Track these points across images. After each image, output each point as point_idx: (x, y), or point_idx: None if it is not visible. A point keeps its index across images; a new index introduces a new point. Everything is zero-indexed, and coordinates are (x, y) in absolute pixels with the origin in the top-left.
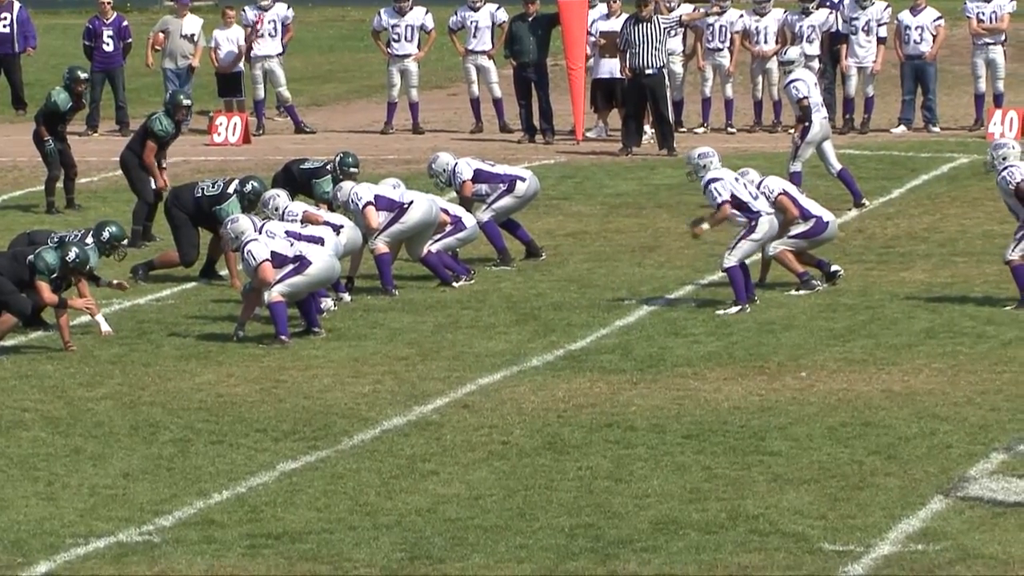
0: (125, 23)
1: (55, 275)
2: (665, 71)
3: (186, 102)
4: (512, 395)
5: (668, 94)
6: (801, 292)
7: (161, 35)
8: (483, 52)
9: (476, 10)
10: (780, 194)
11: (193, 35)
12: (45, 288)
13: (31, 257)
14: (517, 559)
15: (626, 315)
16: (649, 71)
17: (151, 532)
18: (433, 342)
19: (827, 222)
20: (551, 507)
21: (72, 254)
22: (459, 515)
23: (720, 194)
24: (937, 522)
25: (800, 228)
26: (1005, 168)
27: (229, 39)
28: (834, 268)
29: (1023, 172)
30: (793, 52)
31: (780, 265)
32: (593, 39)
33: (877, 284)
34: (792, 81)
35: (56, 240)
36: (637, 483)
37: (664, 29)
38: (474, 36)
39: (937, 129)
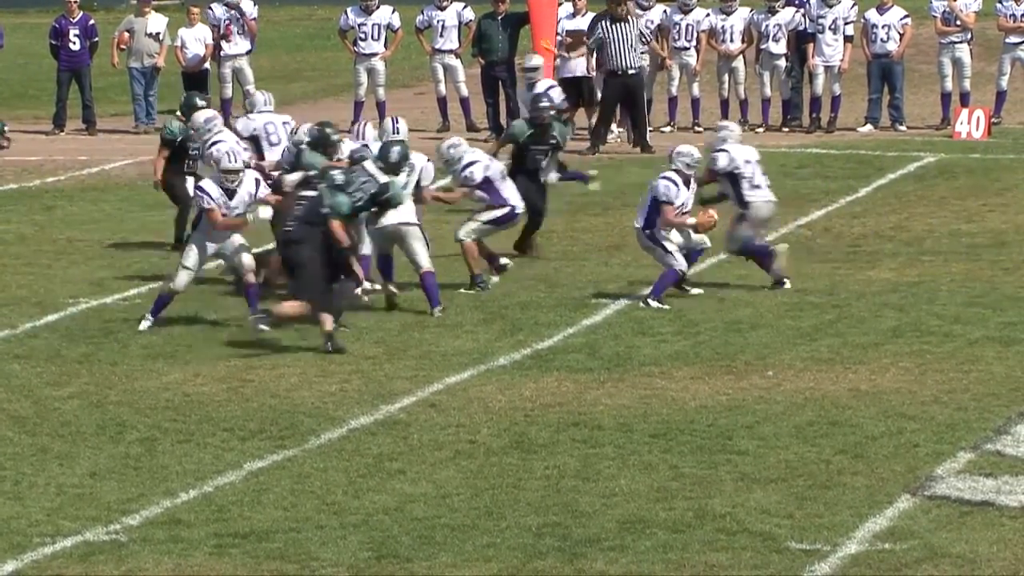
0: (92, 22)
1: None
2: (644, 71)
3: (200, 103)
4: (479, 394)
5: (644, 95)
6: (473, 292)
7: (126, 34)
8: (450, 51)
9: (443, 9)
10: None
11: (158, 34)
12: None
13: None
14: (484, 558)
15: (593, 314)
16: (631, 71)
17: (118, 531)
18: (400, 341)
19: (518, 213)
20: (518, 506)
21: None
22: (426, 514)
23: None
24: (904, 521)
25: (494, 214)
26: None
27: (196, 39)
28: (503, 261)
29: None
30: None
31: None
32: (559, 38)
33: (844, 283)
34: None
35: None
36: (604, 482)
37: (639, 29)
38: (440, 35)
39: (904, 128)
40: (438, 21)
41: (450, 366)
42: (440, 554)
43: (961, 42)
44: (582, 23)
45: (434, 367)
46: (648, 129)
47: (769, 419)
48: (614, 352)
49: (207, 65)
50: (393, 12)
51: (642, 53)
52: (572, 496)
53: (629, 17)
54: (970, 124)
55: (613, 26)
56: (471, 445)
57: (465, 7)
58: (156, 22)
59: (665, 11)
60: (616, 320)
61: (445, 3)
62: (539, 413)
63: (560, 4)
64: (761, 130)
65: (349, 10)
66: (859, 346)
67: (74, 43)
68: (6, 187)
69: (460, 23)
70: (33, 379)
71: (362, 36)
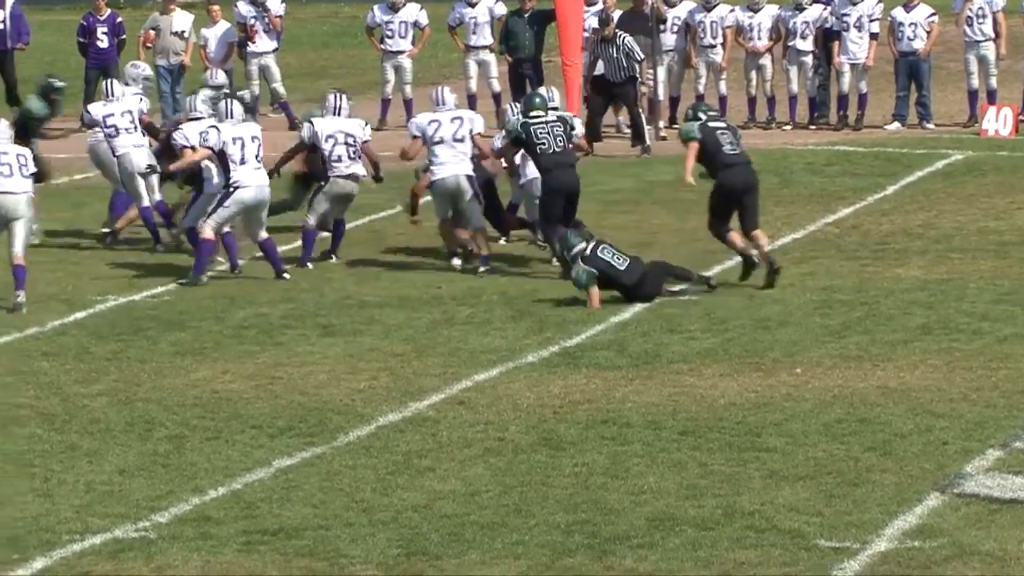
0: (119, 19)
1: None
2: (635, 78)
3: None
4: (508, 391)
5: (637, 96)
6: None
7: (152, 32)
8: (484, 47)
9: (473, 6)
10: None
11: (183, 32)
12: None
13: None
14: (513, 555)
15: (622, 311)
16: (616, 83)
17: (147, 528)
18: (429, 338)
19: None
20: (547, 503)
21: None
22: (455, 511)
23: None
24: (933, 519)
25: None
26: None
27: (216, 35)
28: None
29: None
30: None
31: None
32: (587, 35)
33: (872, 280)
34: None
35: None
36: (633, 479)
37: (628, 48)
38: (473, 32)
39: (931, 126)
40: (470, 18)
41: (479, 363)
42: (469, 551)
43: (987, 40)
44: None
45: (463, 364)
46: (645, 129)
47: (798, 416)
48: (643, 349)
49: (230, 63)
50: (420, 9)
51: (632, 66)
52: (601, 493)
53: (616, 35)
54: (997, 121)
55: (601, 44)
56: (500, 442)
57: (496, 2)
58: (181, 20)
59: (733, 10)
60: (645, 317)
61: (475, 0)
62: (568, 410)
63: (592, 3)
64: (788, 128)
65: (376, 7)
66: (887, 343)
67: (102, 40)
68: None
69: (492, 18)
70: (62, 376)
71: (389, 34)
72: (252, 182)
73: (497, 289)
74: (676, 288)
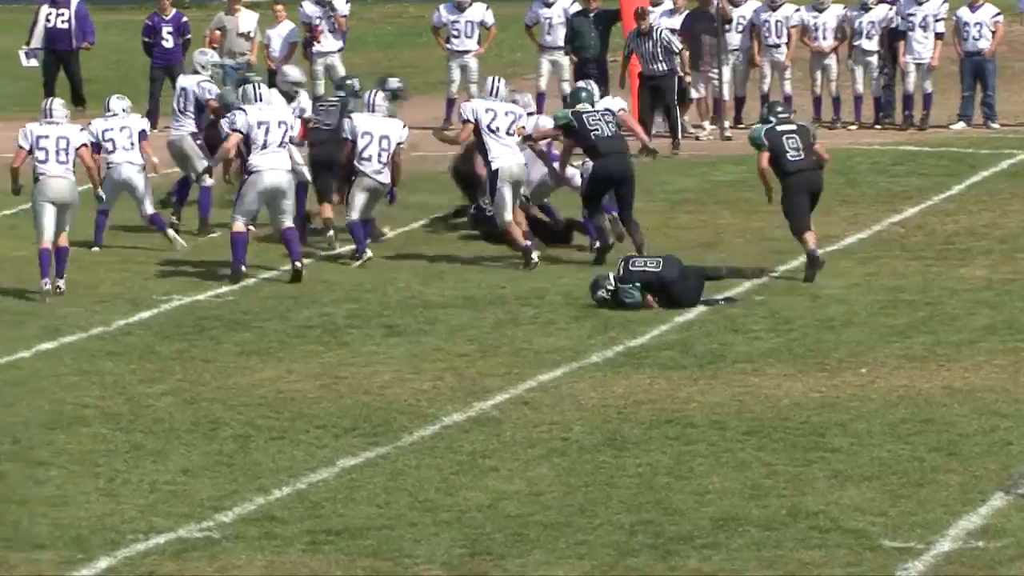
0: (184, 19)
1: None
2: (675, 74)
3: None
4: (572, 391)
5: (675, 94)
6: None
7: (218, 32)
8: (559, 47)
9: (549, 6)
10: None
11: (249, 32)
12: None
13: None
14: (577, 555)
15: (686, 311)
16: (659, 75)
17: (211, 528)
18: (493, 338)
19: None
20: (611, 504)
21: None
22: (519, 511)
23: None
24: (997, 519)
25: None
26: None
27: (279, 35)
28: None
29: None
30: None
31: None
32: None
33: (937, 280)
34: None
35: None
36: (697, 480)
37: (666, 41)
38: (548, 33)
39: (996, 125)
40: (545, 18)
41: (543, 363)
42: (533, 551)
43: None
44: (678, 21)
45: (527, 364)
46: (679, 128)
47: (863, 417)
48: (707, 349)
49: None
50: (487, 9)
51: (671, 59)
52: (665, 494)
53: (653, 30)
54: None
55: (638, 38)
56: (564, 442)
57: (573, 3)
58: (247, 20)
59: (798, 9)
60: (709, 317)
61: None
62: (632, 410)
63: (658, 3)
64: (854, 127)
65: (442, 7)
66: (953, 344)
67: (167, 40)
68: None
69: (567, 19)
70: (127, 376)
71: (455, 33)
72: (268, 167)
73: (561, 289)
74: (719, 297)
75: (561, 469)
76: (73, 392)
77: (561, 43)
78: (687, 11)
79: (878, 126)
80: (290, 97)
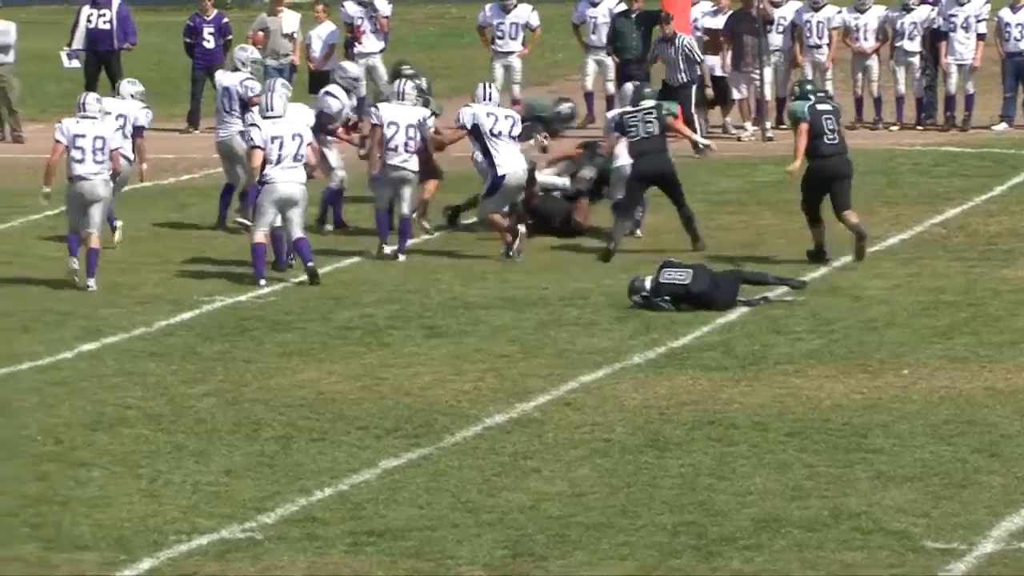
0: (225, 20)
1: None
2: (693, 84)
3: None
4: (614, 392)
5: (691, 105)
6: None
7: (261, 33)
8: (604, 47)
9: (595, 5)
10: None
11: (292, 33)
12: None
13: None
14: (620, 556)
15: (728, 313)
16: (678, 84)
17: (254, 529)
18: (535, 339)
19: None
20: (654, 504)
21: None
22: (561, 512)
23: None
24: None
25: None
26: None
27: (320, 36)
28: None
29: None
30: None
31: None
32: (698, 35)
33: (979, 281)
34: None
35: None
36: (739, 481)
37: (687, 49)
38: (593, 32)
39: None
40: (591, 17)
41: (585, 364)
42: (575, 552)
43: None
44: (720, 21)
45: (569, 365)
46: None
47: (905, 418)
48: (749, 351)
49: (332, 64)
50: (532, 11)
51: (692, 69)
52: (707, 495)
53: (676, 37)
54: None
55: (662, 44)
56: (606, 443)
57: (618, 3)
58: (290, 21)
59: (840, 11)
60: (751, 319)
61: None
62: (674, 411)
63: (696, 2)
64: (896, 128)
65: (488, 7)
66: (995, 345)
67: (208, 41)
68: (142, 185)
69: (611, 19)
70: (169, 377)
71: (499, 34)
72: (282, 179)
73: (604, 290)
74: (757, 297)
75: (603, 470)
76: (115, 393)
77: (605, 43)
78: (730, 12)
79: (920, 127)
80: (348, 91)
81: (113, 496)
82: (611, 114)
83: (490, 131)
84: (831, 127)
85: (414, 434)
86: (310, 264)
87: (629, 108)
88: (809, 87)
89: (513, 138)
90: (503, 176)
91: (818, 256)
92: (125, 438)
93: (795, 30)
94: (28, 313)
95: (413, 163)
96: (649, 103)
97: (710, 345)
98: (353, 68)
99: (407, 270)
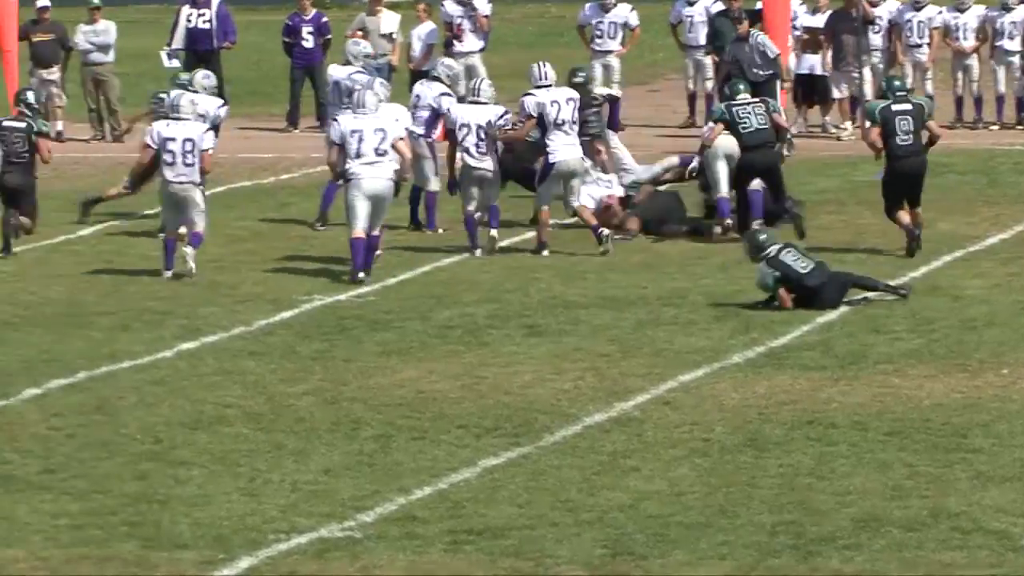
0: (324, 19)
1: None
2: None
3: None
4: (713, 392)
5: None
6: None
7: (359, 33)
8: (700, 47)
9: (692, 4)
10: None
11: (391, 33)
12: None
13: None
14: (719, 556)
15: (827, 312)
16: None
17: (353, 528)
18: (634, 339)
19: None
20: (752, 504)
21: None
22: (661, 512)
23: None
24: None
25: None
26: None
27: (419, 36)
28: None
29: None
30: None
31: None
32: (797, 33)
33: None
34: None
35: None
36: (838, 480)
37: (761, 47)
38: (690, 31)
39: None
40: (687, 16)
41: (684, 363)
42: (674, 552)
43: None
44: (821, 20)
45: (668, 364)
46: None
47: (1004, 417)
48: (848, 350)
49: (432, 63)
50: (632, 10)
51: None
52: (806, 494)
53: (751, 36)
54: None
55: (738, 43)
56: (705, 443)
57: (715, 1)
58: (388, 21)
59: (941, 11)
60: (851, 318)
61: None
62: (773, 411)
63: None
64: (996, 128)
65: (588, 6)
66: None
67: (307, 40)
68: (241, 184)
69: (709, 18)
70: (268, 376)
71: (598, 33)
72: (364, 174)
73: (703, 290)
74: (858, 298)
75: (702, 469)
76: (214, 392)
77: (702, 42)
78: (830, 11)
79: (1020, 126)
80: (453, 83)
81: (212, 495)
82: (717, 107)
83: (553, 121)
84: (905, 128)
85: (514, 433)
86: (360, 269)
87: (736, 100)
88: (896, 85)
89: (574, 123)
90: (553, 164)
91: (912, 241)
92: (224, 437)
93: (894, 29)
94: (128, 312)
95: (488, 162)
96: (750, 97)
97: (809, 344)
98: (454, 64)
99: (506, 269)
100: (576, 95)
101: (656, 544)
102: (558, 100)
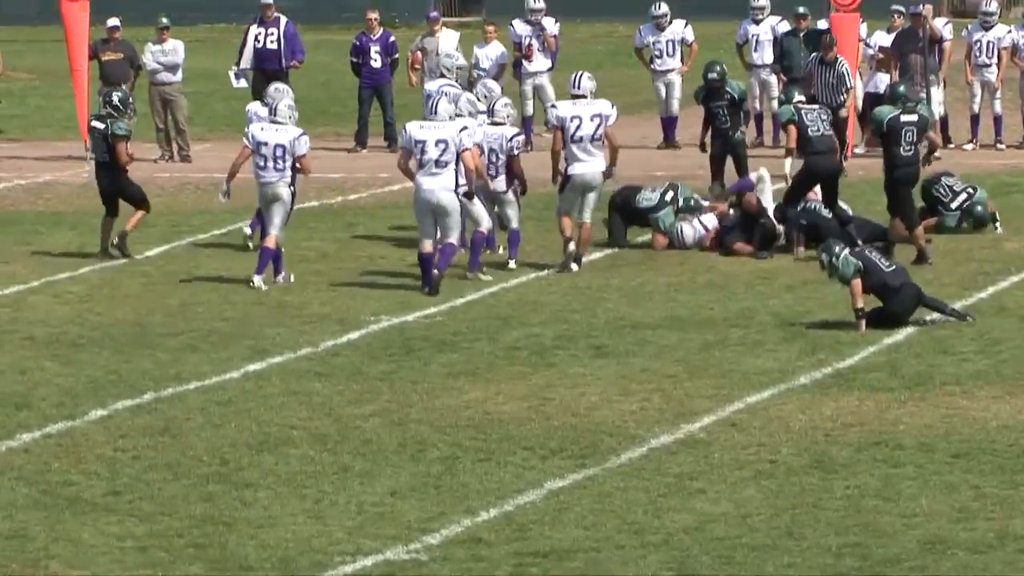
0: (392, 39)
1: None
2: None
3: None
4: (779, 413)
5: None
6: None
7: (419, 53)
8: (765, 66)
9: (758, 23)
10: None
11: (449, 53)
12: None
13: None
14: None
15: (894, 333)
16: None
17: (418, 550)
18: (701, 360)
19: None
20: (819, 526)
21: None
22: (727, 534)
23: None
24: None
25: None
26: None
27: (489, 57)
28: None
29: None
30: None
31: None
32: (871, 52)
33: None
34: None
35: None
36: (905, 502)
37: (844, 72)
38: (755, 50)
39: None
40: (753, 35)
41: (750, 385)
42: (740, 574)
43: None
44: (890, 39)
45: (734, 386)
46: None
47: None
48: (915, 371)
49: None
50: (686, 26)
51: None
52: (873, 516)
53: (837, 60)
54: None
55: (821, 65)
56: (771, 464)
57: (780, 20)
58: (447, 40)
59: (967, 27)
60: (918, 339)
61: (760, 16)
62: (840, 432)
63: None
64: None
65: (643, 27)
66: None
67: (375, 60)
68: (308, 204)
69: (775, 37)
70: (334, 397)
71: (657, 53)
72: (423, 185)
73: (770, 310)
74: (926, 319)
75: (768, 491)
76: (280, 413)
77: (767, 61)
78: (897, 30)
79: None
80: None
81: (278, 517)
82: (786, 108)
83: (572, 136)
84: (910, 139)
85: (580, 455)
86: (435, 272)
87: (805, 105)
88: (901, 97)
89: (596, 140)
90: (570, 176)
91: (920, 258)
92: (290, 458)
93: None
94: (195, 333)
95: (499, 183)
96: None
97: (876, 366)
98: (496, 87)
99: (573, 290)
100: (604, 112)
101: (722, 566)
102: (580, 116)
